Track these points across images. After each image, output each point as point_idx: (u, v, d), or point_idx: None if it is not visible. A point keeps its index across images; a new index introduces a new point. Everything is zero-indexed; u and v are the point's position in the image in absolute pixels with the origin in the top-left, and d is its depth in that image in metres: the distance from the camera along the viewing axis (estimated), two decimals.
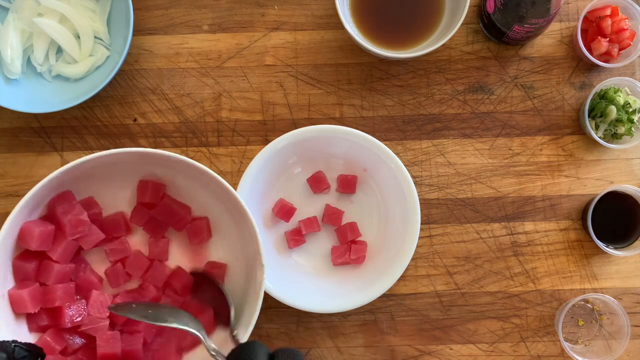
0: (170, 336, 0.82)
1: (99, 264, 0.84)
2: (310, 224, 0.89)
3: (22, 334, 0.77)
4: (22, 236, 0.76)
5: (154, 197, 0.83)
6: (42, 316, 0.78)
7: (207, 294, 0.82)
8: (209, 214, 0.86)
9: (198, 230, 0.85)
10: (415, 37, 0.91)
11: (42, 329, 0.78)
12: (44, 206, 0.79)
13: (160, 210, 0.84)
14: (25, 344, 0.70)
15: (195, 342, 0.82)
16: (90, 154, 0.91)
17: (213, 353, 0.72)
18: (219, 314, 0.81)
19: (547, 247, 0.92)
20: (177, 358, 0.81)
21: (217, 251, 0.86)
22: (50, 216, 0.80)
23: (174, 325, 0.74)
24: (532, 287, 0.92)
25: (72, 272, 0.81)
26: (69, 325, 0.78)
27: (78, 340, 0.80)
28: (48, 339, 0.77)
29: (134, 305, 0.78)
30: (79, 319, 0.78)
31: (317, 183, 0.89)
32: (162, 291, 0.84)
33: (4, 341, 0.69)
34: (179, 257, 0.86)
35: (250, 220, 0.78)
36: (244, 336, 0.76)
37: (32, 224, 0.77)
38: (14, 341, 0.69)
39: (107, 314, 0.80)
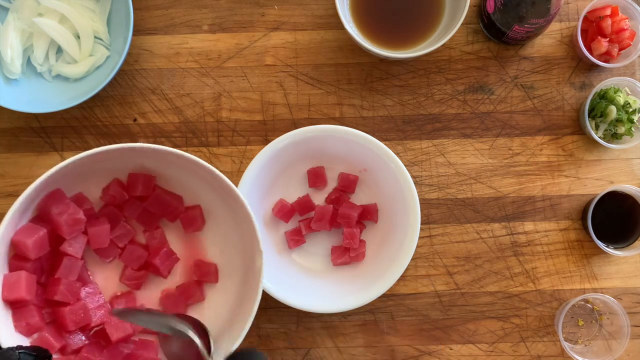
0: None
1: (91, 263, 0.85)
2: (310, 224, 0.89)
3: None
4: (17, 248, 0.76)
5: (145, 189, 0.83)
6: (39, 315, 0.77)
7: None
8: (201, 201, 0.86)
9: (192, 219, 0.85)
10: (415, 37, 0.91)
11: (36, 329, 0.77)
12: (34, 207, 0.78)
13: (153, 201, 0.84)
14: (31, 347, 0.69)
15: None
16: None
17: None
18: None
19: (547, 247, 0.92)
20: None
21: (213, 239, 0.86)
22: (42, 217, 0.79)
23: (178, 329, 0.72)
24: (532, 287, 0.92)
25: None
26: (73, 328, 0.78)
27: (78, 340, 0.80)
28: (47, 336, 0.76)
29: (137, 312, 0.78)
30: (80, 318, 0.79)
31: (314, 177, 0.89)
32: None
33: (8, 348, 0.67)
34: (174, 248, 0.86)
35: (244, 207, 0.78)
36: (244, 325, 0.76)
37: (23, 234, 0.75)
38: (19, 347, 0.68)
39: (103, 301, 0.81)
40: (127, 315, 0.77)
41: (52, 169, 0.73)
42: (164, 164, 0.82)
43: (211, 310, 0.85)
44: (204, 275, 0.85)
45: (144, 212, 0.85)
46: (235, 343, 0.76)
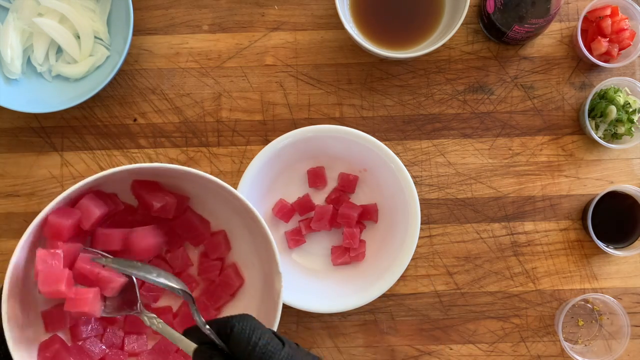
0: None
1: None
2: (310, 224, 0.89)
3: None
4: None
5: (177, 209, 0.80)
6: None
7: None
8: (223, 223, 0.84)
9: (217, 245, 0.83)
10: (415, 37, 0.91)
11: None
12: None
13: (181, 223, 0.81)
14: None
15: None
16: (90, 153, 0.92)
17: (201, 321, 0.67)
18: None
19: (547, 247, 0.92)
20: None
21: (233, 259, 0.85)
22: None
23: (162, 281, 0.70)
24: (532, 287, 0.92)
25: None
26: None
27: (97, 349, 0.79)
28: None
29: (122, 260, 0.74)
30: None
31: (314, 177, 0.89)
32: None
33: (199, 328, 0.64)
34: (195, 267, 0.85)
35: (264, 229, 0.76)
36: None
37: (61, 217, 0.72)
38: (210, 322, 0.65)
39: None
40: (124, 265, 0.73)
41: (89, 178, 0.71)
42: (191, 184, 0.80)
43: None
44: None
45: (170, 232, 0.82)
46: None
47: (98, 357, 0.78)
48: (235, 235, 0.84)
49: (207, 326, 0.64)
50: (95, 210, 0.74)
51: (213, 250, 0.83)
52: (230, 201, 0.79)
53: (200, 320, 0.65)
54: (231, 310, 0.84)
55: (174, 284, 0.70)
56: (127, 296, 0.74)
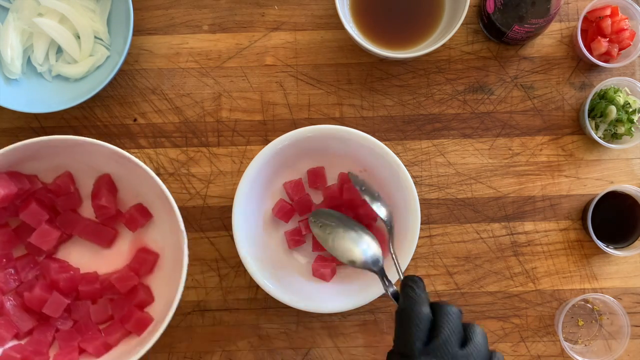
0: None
1: None
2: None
3: None
4: None
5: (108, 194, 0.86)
6: None
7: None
8: (140, 198, 0.87)
9: (133, 219, 0.86)
10: (415, 37, 0.91)
11: None
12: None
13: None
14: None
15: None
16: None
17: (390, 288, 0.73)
18: None
19: (547, 247, 0.92)
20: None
21: (153, 232, 0.88)
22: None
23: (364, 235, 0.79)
24: (532, 287, 0.92)
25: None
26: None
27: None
28: None
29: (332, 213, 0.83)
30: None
31: (314, 177, 0.89)
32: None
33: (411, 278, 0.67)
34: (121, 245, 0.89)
35: (161, 189, 0.80)
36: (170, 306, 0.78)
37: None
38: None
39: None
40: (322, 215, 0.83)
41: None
42: (105, 162, 0.84)
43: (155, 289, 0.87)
44: (143, 263, 0.86)
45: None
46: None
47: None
48: (155, 208, 0.87)
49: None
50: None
51: (133, 224, 0.86)
52: (131, 168, 0.82)
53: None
54: (153, 278, 0.87)
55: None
56: None
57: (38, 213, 0.82)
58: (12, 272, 0.83)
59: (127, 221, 0.86)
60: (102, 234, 0.86)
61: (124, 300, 0.84)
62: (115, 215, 0.86)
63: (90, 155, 0.82)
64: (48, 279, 0.83)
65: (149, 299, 0.85)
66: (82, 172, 0.86)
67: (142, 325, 0.82)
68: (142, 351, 0.78)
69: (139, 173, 0.81)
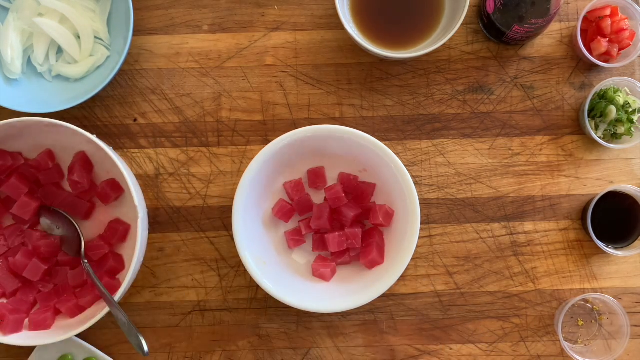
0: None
1: None
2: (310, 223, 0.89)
3: None
4: None
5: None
6: None
7: (60, 224, 0.90)
8: (113, 174, 0.90)
9: (105, 193, 0.90)
10: (415, 37, 0.91)
11: None
12: None
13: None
14: None
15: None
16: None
17: None
18: (69, 243, 0.89)
19: (547, 247, 0.92)
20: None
21: (125, 205, 0.92)
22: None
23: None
24: (532, 287, 0.92)
25: None
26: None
27: None
28: None
29: None
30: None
31: (314, 177, 0.89)
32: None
33: None
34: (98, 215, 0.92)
35: (113, 160, 0.83)
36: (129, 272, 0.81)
37: None
38: None
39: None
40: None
41: None
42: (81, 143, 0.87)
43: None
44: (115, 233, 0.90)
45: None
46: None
47: None
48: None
49: None
50: None
51: (105, 198, 0.90)
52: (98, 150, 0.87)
53: None
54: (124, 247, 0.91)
55: None
56: None
57: (17, 187, 0.88)
58: (2, 239, 0.89)
59: (100, 195, 0.90)
60: (79, 207, 0.90)
61: (96, 267, 0.89)
62: (89, 190, 0.90)
63: (64, 135, 0.86)
64: (30, 245, 0.89)
65: (120, 266, 0.90)
66: (64, 150, 0.90)
67: (111, 289, 0.86)
68: (107, 309, 0.83)
69: (105, 152, 0.84)
